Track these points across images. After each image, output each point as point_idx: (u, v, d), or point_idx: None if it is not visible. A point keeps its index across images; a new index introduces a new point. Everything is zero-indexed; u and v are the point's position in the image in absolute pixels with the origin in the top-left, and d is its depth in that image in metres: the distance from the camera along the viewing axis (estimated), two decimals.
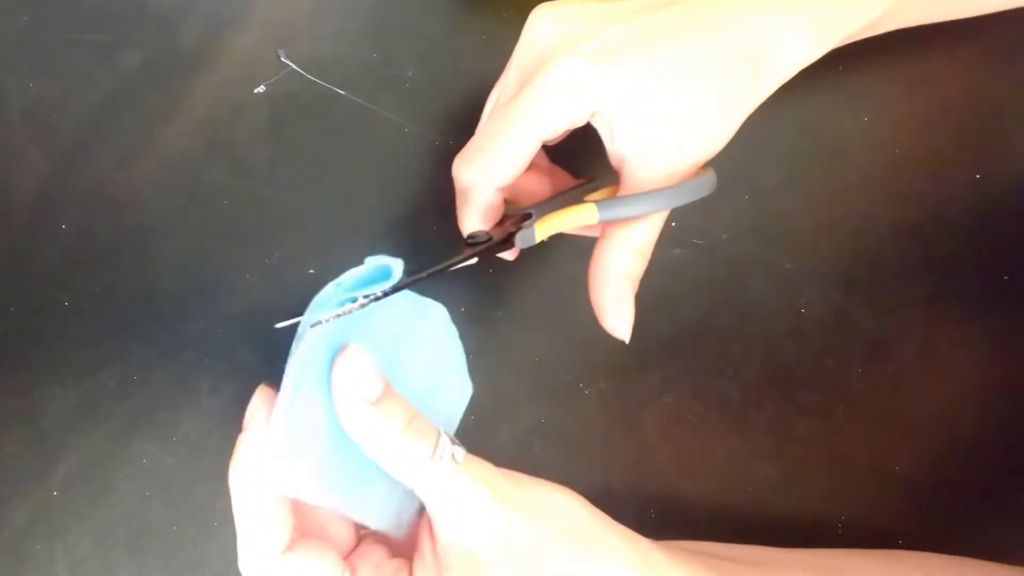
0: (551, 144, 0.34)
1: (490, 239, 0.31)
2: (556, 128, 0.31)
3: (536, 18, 0.32)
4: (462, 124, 0.42)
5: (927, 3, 0.38)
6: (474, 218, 0.33)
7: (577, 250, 0.40)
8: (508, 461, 0.37)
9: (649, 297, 0.39)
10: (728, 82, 0.31)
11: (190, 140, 0.41)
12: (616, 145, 0.31)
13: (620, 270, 0.32)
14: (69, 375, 0.37)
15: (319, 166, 0.41)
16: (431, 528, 0.27)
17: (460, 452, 0.27)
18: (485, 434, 0.38)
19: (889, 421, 0.38)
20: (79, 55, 0.42)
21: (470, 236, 0.31)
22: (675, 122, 0.30)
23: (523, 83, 0.32)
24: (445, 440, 0.27)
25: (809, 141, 0.40)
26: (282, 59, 0.42)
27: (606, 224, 0.32)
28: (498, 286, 0.39)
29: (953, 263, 0.41)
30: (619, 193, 0.32)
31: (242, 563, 0.27)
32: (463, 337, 0.38)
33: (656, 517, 0.37)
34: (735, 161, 0.40)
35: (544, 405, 0.38)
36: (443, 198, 0.41)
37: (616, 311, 0.32)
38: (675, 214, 0.40)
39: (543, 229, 0.31)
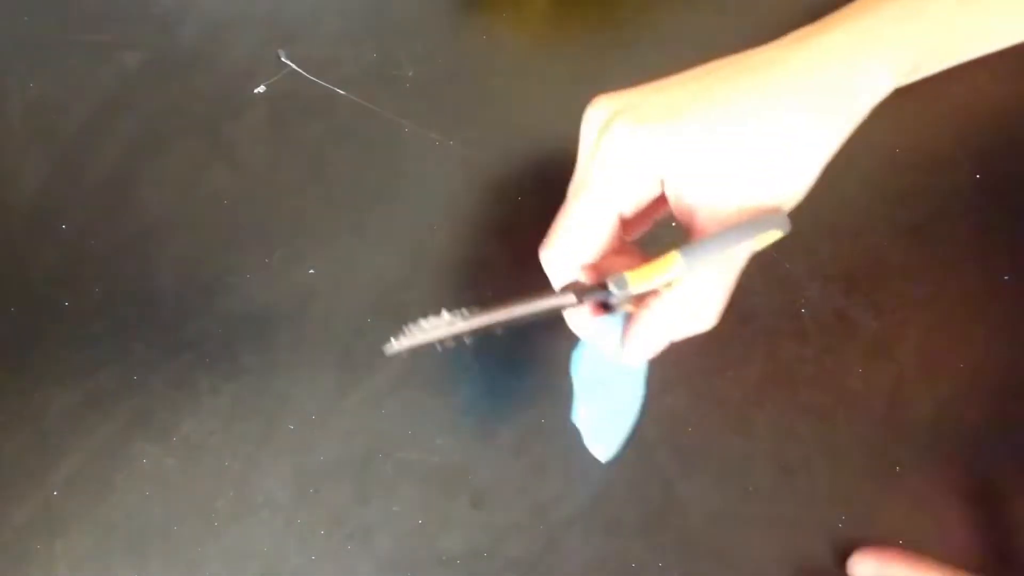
0: (631, 219, 0.33)
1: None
2: (627, 198, 0.30)
3: (594, 100, 0.32)
4: (462, 124, 0.42)
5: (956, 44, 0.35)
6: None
7: None
8: (508, 461, 0.37)
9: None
10: (796, 131, 0.30)
11: (190, 140, 0.41)
12: (684, 200, 0.31)
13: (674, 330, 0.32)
14: (69, 375, 0.37)
15: (319, 166, 0.41)
16: None
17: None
18: (485, 434, 0.38)
19: (889, 421, 0.38)
20: (79, 55, 0.42)
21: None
22: (742, 178, 0.30)
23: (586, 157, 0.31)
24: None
25: None
26: (282, 59, 0.42)
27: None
28: (498, 286, 0.39)
29: (953, 263, 0.41)
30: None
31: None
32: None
33: (656, 517, 0.37)
34: None
35: (544, 405, 0.38)
36: (443, 198, 0.41)
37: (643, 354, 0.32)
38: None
39: (634, 276, 0.30)
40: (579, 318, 0.32)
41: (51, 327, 0.38)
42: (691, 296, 0.31)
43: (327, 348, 0.38)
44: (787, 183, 0.31)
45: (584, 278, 0.32)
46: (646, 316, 0.31)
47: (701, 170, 0.30)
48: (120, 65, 0.42)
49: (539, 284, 0.40)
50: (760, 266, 0.40)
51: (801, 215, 0.41)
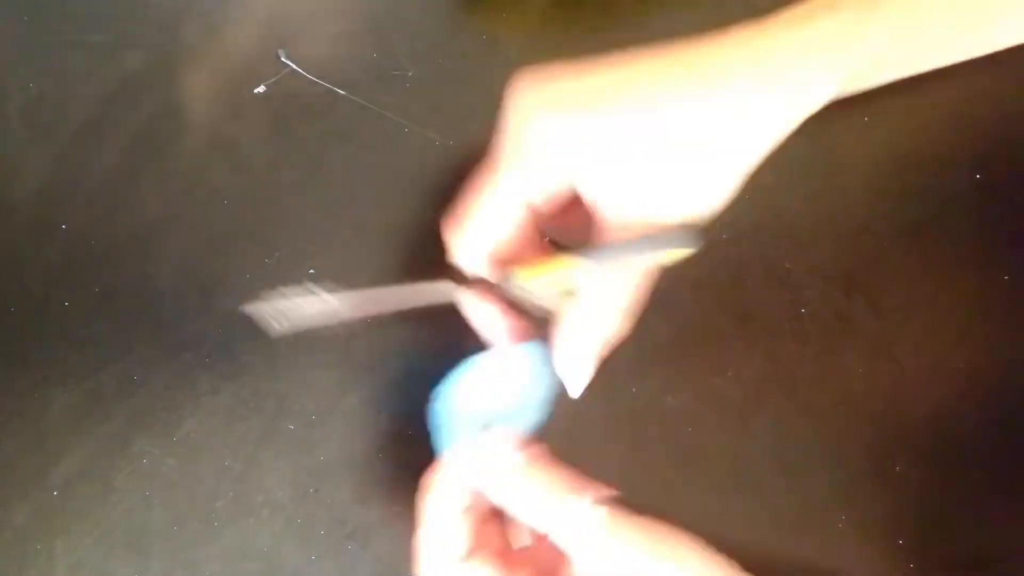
0: (545, 214, 0.33)
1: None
2: (537, 187, 0.30)
3: (521, 80, 0.31)
4: (462, 124, 0.42)
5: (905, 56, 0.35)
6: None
7: None
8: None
9: (649, 297, 0.39)
10: (720, 132, 0.29)
11: (190, 140, 0.41)
12: (596, 202, 0.30)
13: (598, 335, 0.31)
14: (69, 375, 0.37)
15: (319, 166, 0.41)
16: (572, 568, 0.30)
17: (602, 511, 0.30)
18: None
19: (889, 421, 0.38)
20: (79, 55, 0.42)
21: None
22: (656, 183, 0.29)
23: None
24: (588, 500, 0.29)
25: (809, 141, 0.40)
26: (282, 59, 0.42)
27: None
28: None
29: (953, 263, 0.41)
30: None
31: (423, 569, 0.31)
32: (465, 337, 0.38)
33: (656, 517, 0.37)
34: None
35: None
36: (443, 198, 0.41)
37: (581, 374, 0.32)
38: None
39: (525, 271, 0.31)
40: (483, 315, 0.32)
41: (51, 327, 0.38)
42: (596, 303, 0.30)
43: (327, 348, 0.38)
44: (705, 190, 0.30)
45: (490, 268, 0.31)
46: (562, 334, 0.31)
47: (614, 172, 0.29)
48: (120, 65, 0.42)
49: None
50: (760, 266, 0.40)
51: (801, 215, 0.42)
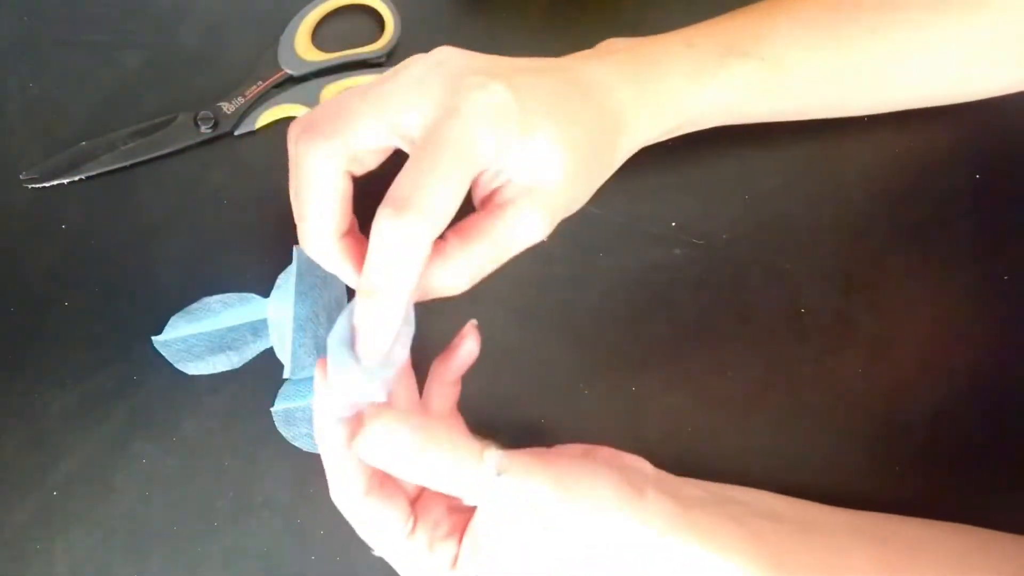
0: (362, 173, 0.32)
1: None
2: (489, 157, 0.28)
3: (447, 49, 0.30)
4: None
5: (752, 103, 0.36)
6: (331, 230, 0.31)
7: (578, 250, 0.40)
8: None
9: (649, 297, 0.39)
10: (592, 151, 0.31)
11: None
12: (502, 190, 0.30)
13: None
14: (69, 375, 0.37)
15: None
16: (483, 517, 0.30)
17: (504, 463, 0.28)
18: (484, 434, 0.38)
19: (889, 421, 0.38)
20: (79, 55, 0.42)
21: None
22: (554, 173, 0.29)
23: (440, 105, 0.29)
24: (490, 454, 0.28)
25: (809, 141, 0.40)
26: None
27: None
28: (498, 286, 0.39)
29: (953, 263, 0.41)
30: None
31: (334, 496, 0.31)
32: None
33: None
34: (735, 161, 0.40)
35: (544, 405, 0.38)
36: None
37: None
38: (675, 214, 0.40)
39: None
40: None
41: (51, 327, 0.38)
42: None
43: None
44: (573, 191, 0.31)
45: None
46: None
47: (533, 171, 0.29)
48: (120, 65, 0.42)
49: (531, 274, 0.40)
50: (760, 266, 0.40)
51: (801, 215, 0.42)
